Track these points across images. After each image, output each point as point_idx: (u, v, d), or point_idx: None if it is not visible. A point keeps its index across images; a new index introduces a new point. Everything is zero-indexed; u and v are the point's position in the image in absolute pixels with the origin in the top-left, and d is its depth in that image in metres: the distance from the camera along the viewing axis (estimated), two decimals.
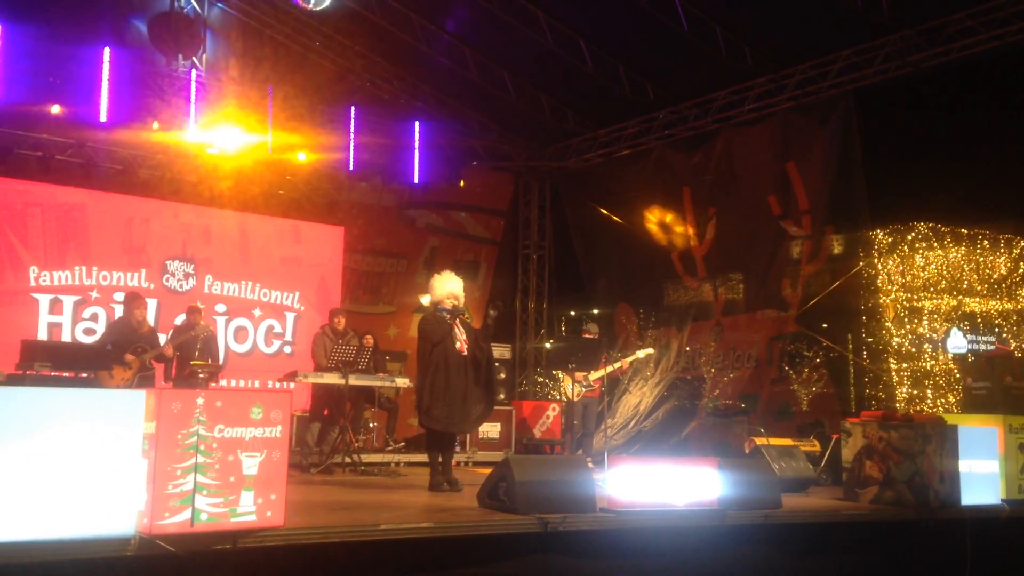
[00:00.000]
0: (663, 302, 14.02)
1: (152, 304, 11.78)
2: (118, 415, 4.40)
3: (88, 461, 4.26)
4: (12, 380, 7.53)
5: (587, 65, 12.47)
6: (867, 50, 11.17)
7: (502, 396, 12.88)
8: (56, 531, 4.13)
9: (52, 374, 7.99)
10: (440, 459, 7.65)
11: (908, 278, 12.70)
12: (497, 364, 12.78)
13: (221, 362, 11.45)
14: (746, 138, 12.74)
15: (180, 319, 10.96)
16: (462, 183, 14.58)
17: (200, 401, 4.50)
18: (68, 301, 11.37)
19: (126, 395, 4.57)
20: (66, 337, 11.16)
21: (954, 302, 12.96)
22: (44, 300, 11.24)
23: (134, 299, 9.64)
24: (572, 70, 12.61)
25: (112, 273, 11.67)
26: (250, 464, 4.59)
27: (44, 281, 11.25)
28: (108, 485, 4.28)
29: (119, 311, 10.88)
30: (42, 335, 11.00)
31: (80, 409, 4.32)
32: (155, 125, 11.75)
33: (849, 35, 11.11)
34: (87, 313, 11.36)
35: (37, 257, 11.24)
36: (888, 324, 12.48)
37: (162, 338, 9.88)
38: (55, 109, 11.11)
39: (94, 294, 11.48)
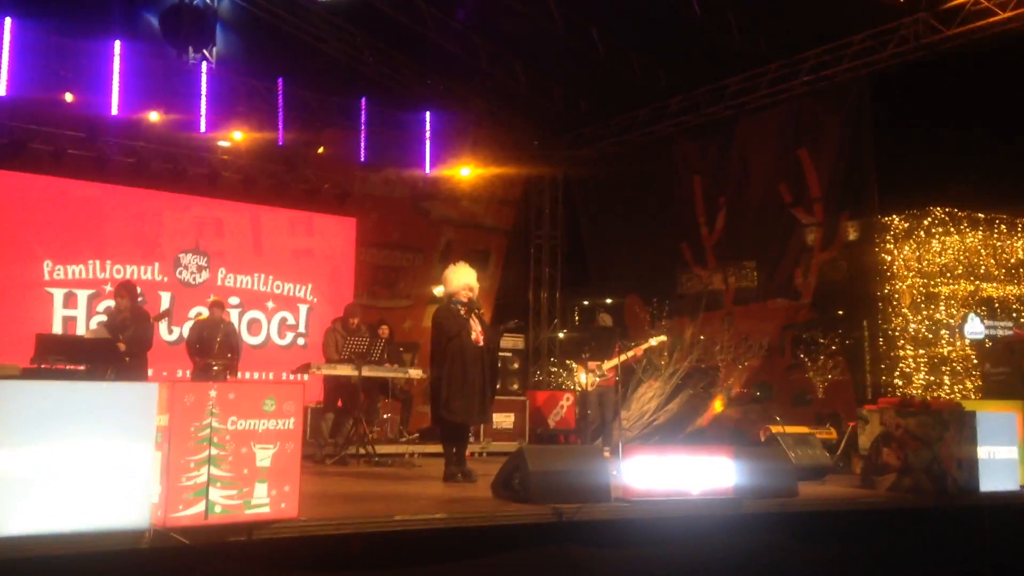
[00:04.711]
0: (676, 291, 13.96)
1: (166, 297, 11.84)
2: (131, 408, 4.38)
3: (102, 454, 4.24)
4: (27, 374, 7.55)
5: (599, 53, 12.39)
6: (882, 33, 11.07)
7: (515, 386, 12.86)
8: (70, 524, 4.12)
9: (67, 367, 8.02)
10: (455, 450, 7.64)
11: (924, 264, 12.61)
12: (510, 354, 12.84)
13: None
14: (758, 125, 12.67)
15: (193, 311, 10.99)
16: (471, 172, 14.50)
17: (213, 394, 4.48)
18: (82, 295, 11.42)
19: (139, 388, 4.56)
20: (80, 331, 11.19)
21: (971, 287, 12.87)
22: (58, 294, 11.29)
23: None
24: (583, 58, 12.54)
25: (126, 267, 11.70)
26: (263, 456, 4.57)
27: (58, 275, 11.30)
28: (122, 478, 4.27)
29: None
30: (56, 329, 11.05)
31: (93, 402, 4.31)
32: (165, 118, 11.74)
33: (864, 19, 11.01)
34: (101, 307, 11.39)
35: (51, 251, 11.28)
36: (905, 310, 12.39)
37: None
38: (68, 98, 11.10)
39: (108, 288, 11.49)
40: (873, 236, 12.18)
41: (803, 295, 12.09)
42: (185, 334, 10.53)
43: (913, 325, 12.32)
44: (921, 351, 12.27)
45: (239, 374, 10.15)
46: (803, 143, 12.14)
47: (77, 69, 11.26)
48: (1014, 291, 13.17)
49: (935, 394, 11.88)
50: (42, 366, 7.80)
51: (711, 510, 6.14)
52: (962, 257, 12.83)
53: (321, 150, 13.06)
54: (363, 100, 13.38)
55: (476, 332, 7.49)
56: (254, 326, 12.64)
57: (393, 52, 13.61)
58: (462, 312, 7.51)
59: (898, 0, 10.33)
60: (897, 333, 12.37)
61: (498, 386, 8.70)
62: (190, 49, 12.51)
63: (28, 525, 4.04)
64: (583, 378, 10.26)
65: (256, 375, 12.16)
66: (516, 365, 13.20)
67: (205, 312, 10.23)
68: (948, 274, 12.68)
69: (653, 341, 10.74)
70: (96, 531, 4.17)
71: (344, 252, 13.51)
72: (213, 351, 9.56)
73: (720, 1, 11.19)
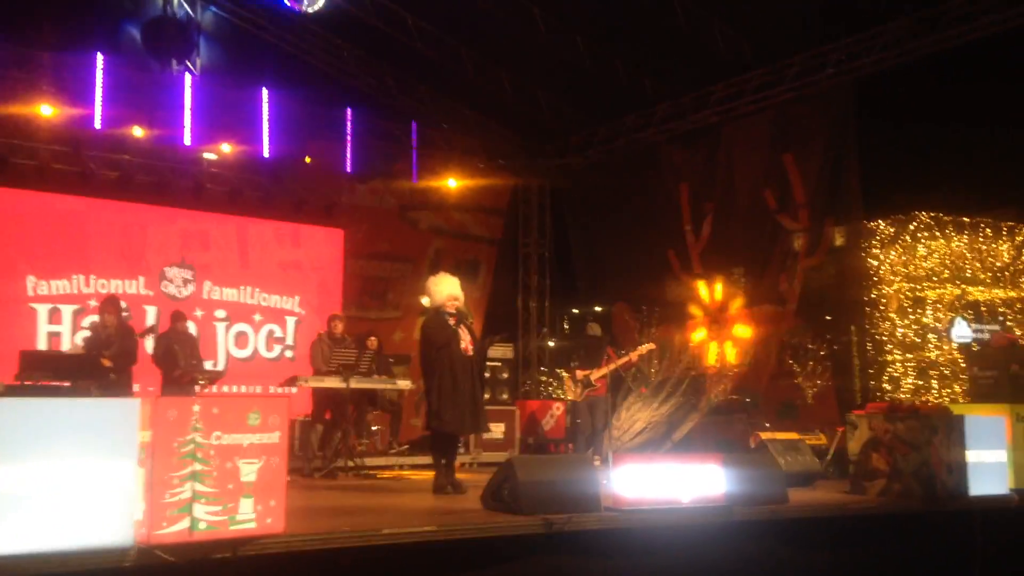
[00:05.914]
0: (665, 298, 13.95)
1: (151, 311, 11.75)
2: (114, 424, 4.34)
3: (85, 471, 4.20)
4: (10, 391, 7.47)
5: (584, 61, 12.40)
6: (865, 39, 11.10)
7: (505, 396, 12.82)
8: (53, 543, 4.07)
9: (52, 384, 7.94)
10: (444, 461, 7.60)
11: (911, 268, 12.64)
12: (499, 363, 12.80)
13: (221, 368, 11.43)
14: (743, 132, 12.68)
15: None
16: (458, 182, 14.47)
17: (196, 408, 4.44)
18: (67, 310, 11.32)
19: (121, 404, 4.51)
20: (65, 347, 11.09)
21: (958, 291, 12.91)
22: (43, 310, 11.19)
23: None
24: (569, 66, 12.54)
25: (110, 281, 11.60)
26: (248, 471, 4.53)
27: (42, 290, 11.20)
28: (105, 495, 4.22)
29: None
30: (41, 345, 10.95)
31: (76, 419, 4.26)
32: (149, 131, 11.69)
33: (847, 24, 11.05)
34: (86, 322, 11.25)
35: (34, 266, 11.18)
36: (892, 315, 12.42)
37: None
38: (48, 111, 11.02)
39: (93, 303, 11.37)
40: (859, 241, 12.21)
41: (788, 301, 12.09)
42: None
43: (900, 330, 12.35)
44: (909, 355, 12.30)
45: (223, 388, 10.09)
46: (788, 149, 12.15)
47: (59, 83, 11.19)
48: (1000, 294, 13.23)
49: (924, 398, 11.91)
50: (26, 383, 7.71)
51: (702, 518, 6.12)
52: (948, 261, 12.89)
53: (308, 160, 13.02)
54: (348, 111, 13.35)
55: (466, 342, 7.48)
56: (241, 339, 12.56)
57: (378, 62, 13.58)
58: (451, 322, 7.49)
59: (881, 5, 10.37)
60: (885, 338, 12.39)
61: (487, 396, 8.67)
62: (173, 61, 12.45)
63: (9, 545, 3.98)
64: (571, 387, 10.23)
65: (244, 389, 12.07)
66: (506, 375, 13.16)
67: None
68: (934, 278, 12.73)
69: (642, 348, 10.73)
70: (79, 550, 4.12)
71: (332, 264, 13.44)
72: (180, 363, 9.50)
73: (704, 8, 11.21)
